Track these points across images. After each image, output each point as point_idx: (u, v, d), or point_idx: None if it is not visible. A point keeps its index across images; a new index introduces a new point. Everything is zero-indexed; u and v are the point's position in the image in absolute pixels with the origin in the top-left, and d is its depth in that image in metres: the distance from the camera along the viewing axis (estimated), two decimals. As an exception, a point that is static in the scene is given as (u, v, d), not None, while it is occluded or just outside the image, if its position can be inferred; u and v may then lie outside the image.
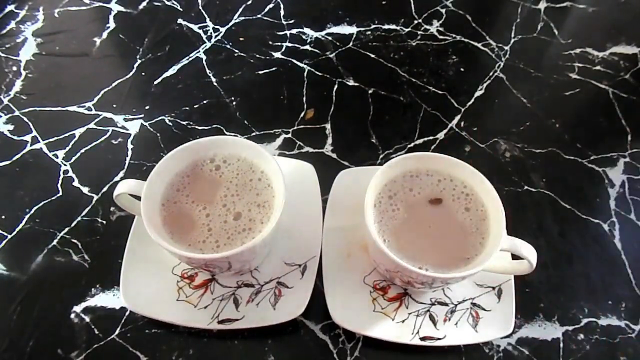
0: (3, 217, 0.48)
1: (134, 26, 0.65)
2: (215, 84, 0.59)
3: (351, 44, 0.64)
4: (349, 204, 0.44)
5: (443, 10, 0.68)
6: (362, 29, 0.66)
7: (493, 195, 0.38)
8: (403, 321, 0.41)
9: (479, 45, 0.64)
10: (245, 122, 0.56)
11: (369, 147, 0.54)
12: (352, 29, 0.66)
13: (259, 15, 0.67)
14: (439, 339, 0.40)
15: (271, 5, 0.68)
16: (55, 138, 0.54)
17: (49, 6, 0.67)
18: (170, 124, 0.55)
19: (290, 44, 0.64)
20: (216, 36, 0.64)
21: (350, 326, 0.40)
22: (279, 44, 0.64)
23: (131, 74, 0.60)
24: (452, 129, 0.56)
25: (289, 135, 0.55)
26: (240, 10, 0.67)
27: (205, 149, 0.41)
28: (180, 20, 0.66)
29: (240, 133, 0.54)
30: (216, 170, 0.41)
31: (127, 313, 0.42)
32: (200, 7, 0.68)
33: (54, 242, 0.46)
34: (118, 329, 0.42)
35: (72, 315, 0.42)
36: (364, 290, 0.42)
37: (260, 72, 0.61)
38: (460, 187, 0.40)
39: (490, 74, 0.61)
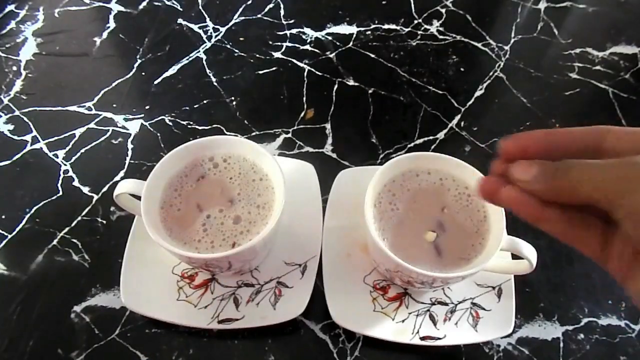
0: (3, 217, 0.48)
1: (134, 26, 0.65)
2: (215, 84, 0.59)
3: (351, 44, 0.64)
4: (349, 204, 0.44)
5: (443, 10, 0.68)
6: (362, 29, 0.66)
7: (493, 195, 0.38)
8: (403, 321, 0.41)
9: (479, 45, 0.64)
10: (245, 122, 0.56)
11: (369, 147, 0.54)
12: (352, 29, 0.66)
13: (259, 15, 0.67)
14: (439, 338, 0.40)
15: (271, 5, 0.68)
16: (56, 138, 0.54)
17: (49, 6, 0.67)
18: (170, 124, 0.55)
19: (290, 44, 0.64)
20: (216, 36, 0.64)
21: (350, 326, 0.40)
22: (279, 44, 0.64)
23: (131, 74, 0.60)
24: (452, 129, 0.56)
25: (289, 135, 0.55)
26: (240, 10, 0.67)
27: (205, 148, 0.41)
28: (180, 20, 0.66)
29: (240, 133, 0.54)
30: (216, 170, 0.41)
31: (127, 313, 0.42)
32: (200, 7, 0.68)
33: (54, 242, 0.46)
34: (118, 329, 0.42)
35: (72, 315, 0.42)
36: (364, 290, 0.42)
37: (260, 72, 0.61)
38: (461, 187, 0.40)
39: (490, 74, 0.61)
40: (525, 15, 0.68)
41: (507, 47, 0.64)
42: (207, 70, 0.61)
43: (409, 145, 0.54)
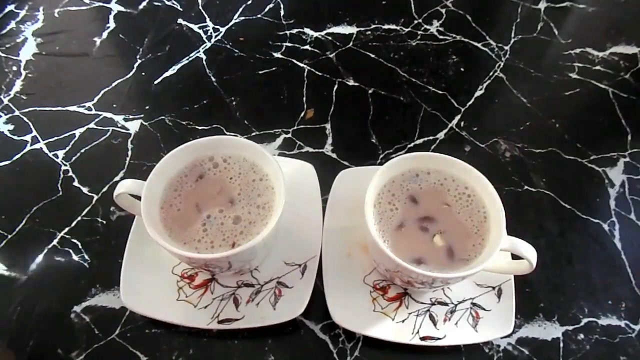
0: (3, 217, 0.48)
1: (134, 26, 0.65)
2: (215, 84, 0.59)
3: (351, 44, 0.64)
4: (349, 204, 0.44)
5: (443, 10, 0.68)
6: (362, 29, 0.66)
7: (493, 195, 0.38)
8: (403, 321, 0.41)
9: (479, 45, 0.64)
10: (245, 122, 0.56)
11: (369, 147, 0.54)
12: (352, 29, 0.66)
13: (259, 15, 0.67)
14: (439, 338, 0.40)
15: (271, 5, 0.68)
16: (55, 138, 0.54)
17: (49, 6, 0.67)
18: (170, 124, 0.55)
19: (290, 44, 0.64)
20: (216, 36, 0.64)
21: (350, 326, 0.40)
22: (279, 44, 0.64)
23: (131, 74, 0.60)
24: (452, 129, 0.56)
25: (289, 135, 0.55)
26: (240, 10, 0.67)
27: (205, 148, 0.41)
28: (180, 20, 0.66)
29: (240, 133, 0.54)
30: (216, 170, 0.41)
31: (127, 313, 0.42)
32: (200, 7, 0.68)
33: (54, 242, 0.46)
34: (118, 329, 0.42)
35: (72, 315, 0.42)
36: (364, 290, 0.42)
37: (260, 72, 0.61)
38: (461, 187, 0.40)
39: (490, 74, 0.61)
40: (525, 15, 0.68)
41: (507, 47, 0.64)
42: (207, 70, 0.61)
43: (409, 145, 0.54)
